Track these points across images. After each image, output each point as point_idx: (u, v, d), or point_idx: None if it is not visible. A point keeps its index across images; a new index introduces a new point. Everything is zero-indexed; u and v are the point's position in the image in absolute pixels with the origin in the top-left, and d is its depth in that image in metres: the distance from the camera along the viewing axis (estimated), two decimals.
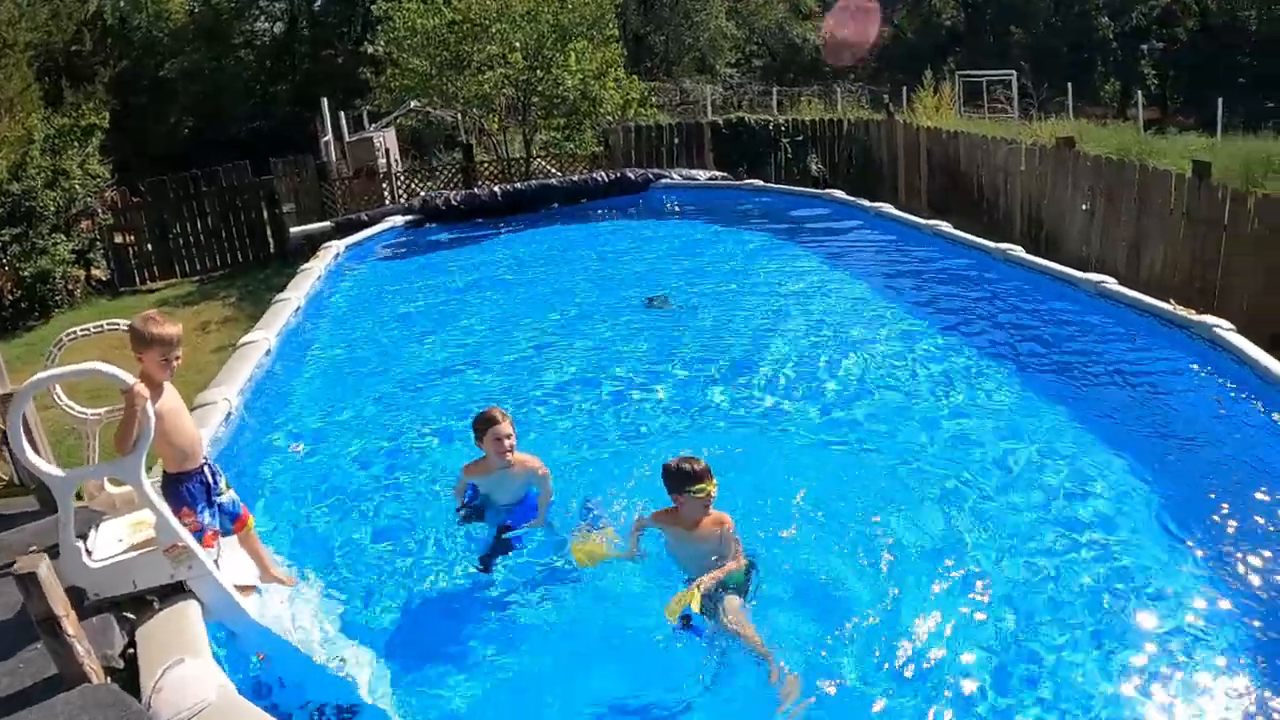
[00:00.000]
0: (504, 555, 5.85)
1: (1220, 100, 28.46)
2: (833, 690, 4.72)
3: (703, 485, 5.15)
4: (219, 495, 4.96)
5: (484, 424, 5.81)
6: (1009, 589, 5.51)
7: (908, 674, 4.88)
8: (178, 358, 4.75)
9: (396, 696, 4.80)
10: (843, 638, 5.11)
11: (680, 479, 5.20)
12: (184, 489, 4.78)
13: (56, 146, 18.08)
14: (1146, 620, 5.19)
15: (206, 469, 4.92)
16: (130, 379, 4.32)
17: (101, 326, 5.06)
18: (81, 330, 5.03)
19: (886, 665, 4.92)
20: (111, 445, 4.55)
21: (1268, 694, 4.63)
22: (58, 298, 17.73)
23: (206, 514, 4.82)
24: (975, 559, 5.77)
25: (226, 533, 5.01)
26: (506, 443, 5.76)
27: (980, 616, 5.28)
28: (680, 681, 4.85)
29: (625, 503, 6.27)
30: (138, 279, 19.42)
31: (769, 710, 4.57)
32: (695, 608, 4.83)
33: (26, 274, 17.00)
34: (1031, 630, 5.18)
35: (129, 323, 4.78)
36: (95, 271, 19.18)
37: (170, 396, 4.78)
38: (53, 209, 17.63)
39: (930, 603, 5.37)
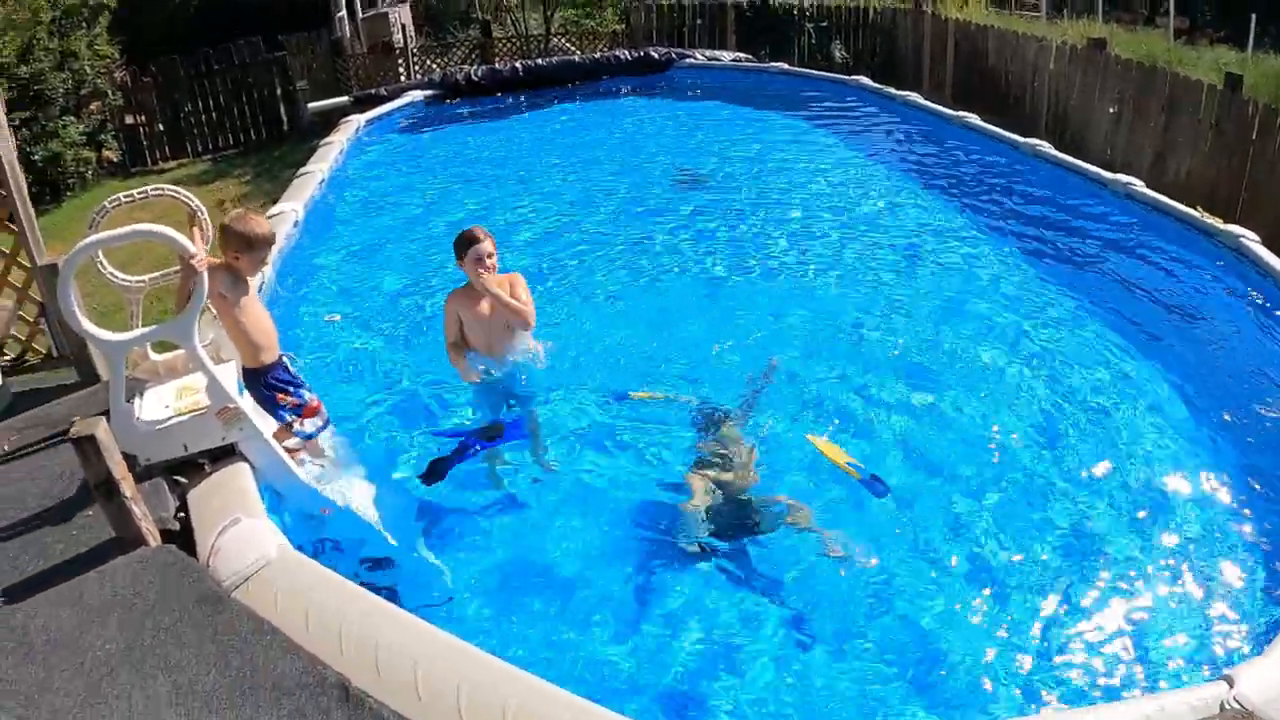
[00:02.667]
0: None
1: (1254, 16, 27.56)
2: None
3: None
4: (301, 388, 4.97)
5: (465, 243, 5.42)
6: (1023, 461, 5.68)
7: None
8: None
9: (439, 555, 4.87)
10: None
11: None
12: (269, 378, 4.81)
13: (64, 28, 17.63)
14: (1162, 507, 5.26)
15: (285, 359, 4.94)
16: (187, 242, 4.24)
17: (146, 192, 4.93)
18: (125, 196, 4.88)
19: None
20: (153, 315, 4.52)
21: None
22: (69, 181, 17.40)
23: (294, 393, 4.87)
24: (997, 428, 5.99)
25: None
26: (489, 261, 5.40)
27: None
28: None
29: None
30: (149, 159, 19.09)
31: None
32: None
33: (37, 158, 16.49)
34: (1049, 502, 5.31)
35: (231, 214, 4.71)
36: (106, 153, 18.80)
37: (253, 291, 4.82)
38: (62, 91, 17.28)
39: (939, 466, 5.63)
